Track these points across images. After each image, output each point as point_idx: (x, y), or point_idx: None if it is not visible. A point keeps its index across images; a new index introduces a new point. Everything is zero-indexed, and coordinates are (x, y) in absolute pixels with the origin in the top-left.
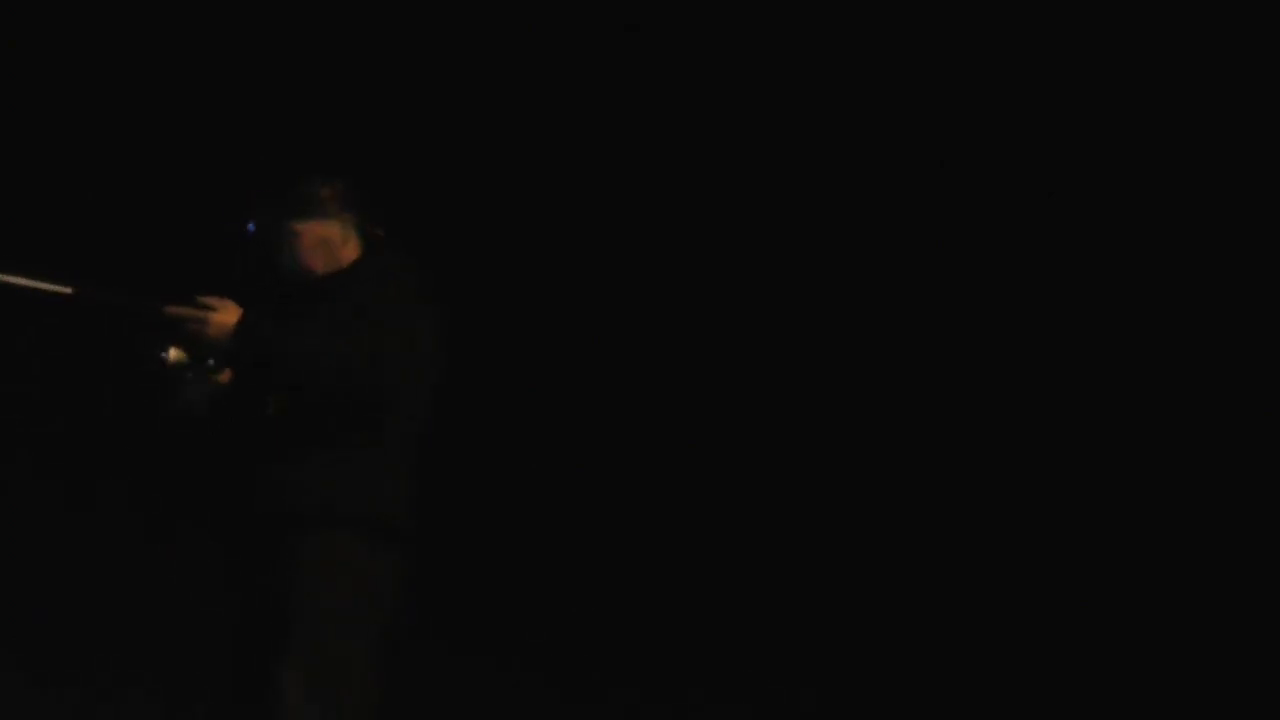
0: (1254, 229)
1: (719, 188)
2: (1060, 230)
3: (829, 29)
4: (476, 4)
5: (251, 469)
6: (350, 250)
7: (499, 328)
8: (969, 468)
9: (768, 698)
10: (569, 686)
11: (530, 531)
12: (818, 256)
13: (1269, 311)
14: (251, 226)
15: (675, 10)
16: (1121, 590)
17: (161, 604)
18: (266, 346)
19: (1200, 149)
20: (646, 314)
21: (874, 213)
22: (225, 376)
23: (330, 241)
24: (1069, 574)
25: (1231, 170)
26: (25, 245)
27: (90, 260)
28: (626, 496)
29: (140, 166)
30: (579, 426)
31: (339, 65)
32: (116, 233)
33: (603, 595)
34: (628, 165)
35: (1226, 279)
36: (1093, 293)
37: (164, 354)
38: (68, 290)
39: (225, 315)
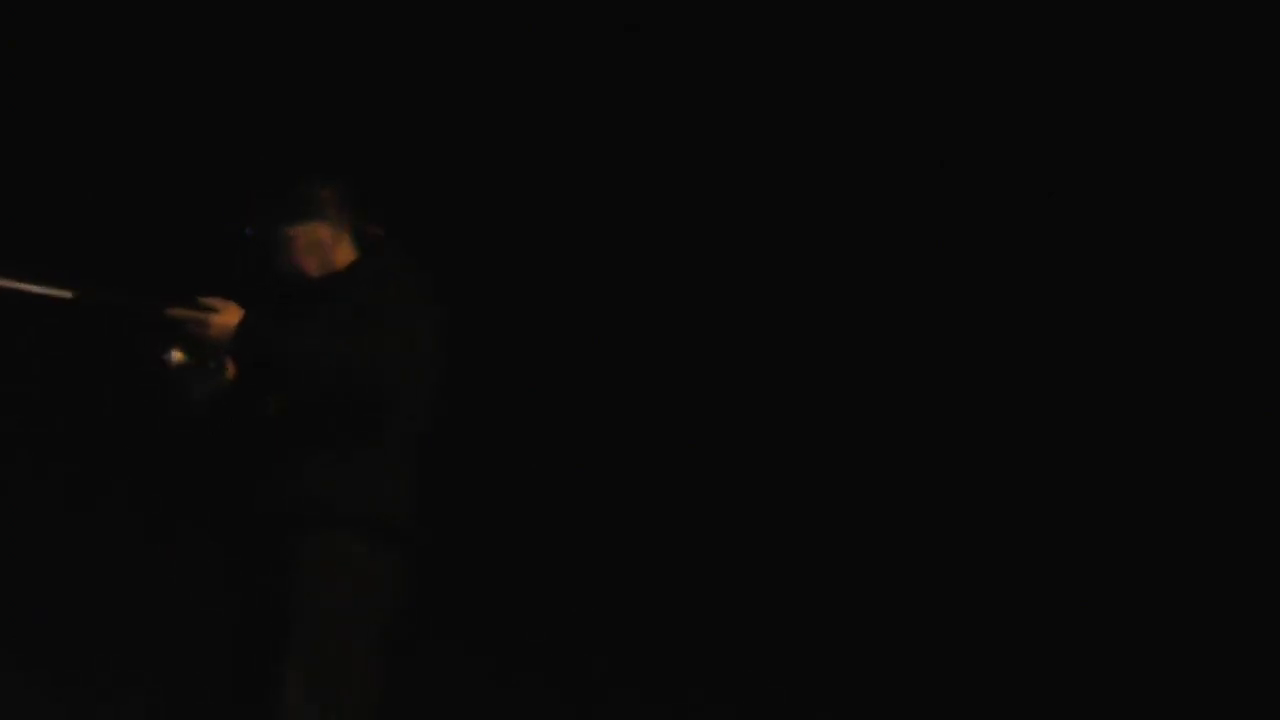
0: (1254, 229)
1: (719, 188)
2: (1060, 230)
3: (829, 29)
4: (476, 4)
5: (252, 469)
6: (343, 251)
7: (499, 328)
8: (969, 468)
9: (768, 698)
10: (569, 686)
11: (530, 531)
12: (818, 256)
13: (1269, 311)
14: (249, 231)
15: (675, 10)
16: (1121, 590)
17: (161, 604)
18: (267, 347)
19: (1200, 149)
20: (646, 314)
21: (874, 213)
22: (231, 372)
23: (322, 244)
24: (1069, 574)
25: (1232, 170)
26: (25, 246)
27: (91, 261)
28: (626, 496)
29: (140, 167)
30: (579, 427)
31: (339, 65)
32: (117, 233)
33: (603, 595)
34: (628, 165)
35: (1227, 279)
36: (1093, 293)
37: (167, 356)
38: (68, 294)
39: (226, 316)
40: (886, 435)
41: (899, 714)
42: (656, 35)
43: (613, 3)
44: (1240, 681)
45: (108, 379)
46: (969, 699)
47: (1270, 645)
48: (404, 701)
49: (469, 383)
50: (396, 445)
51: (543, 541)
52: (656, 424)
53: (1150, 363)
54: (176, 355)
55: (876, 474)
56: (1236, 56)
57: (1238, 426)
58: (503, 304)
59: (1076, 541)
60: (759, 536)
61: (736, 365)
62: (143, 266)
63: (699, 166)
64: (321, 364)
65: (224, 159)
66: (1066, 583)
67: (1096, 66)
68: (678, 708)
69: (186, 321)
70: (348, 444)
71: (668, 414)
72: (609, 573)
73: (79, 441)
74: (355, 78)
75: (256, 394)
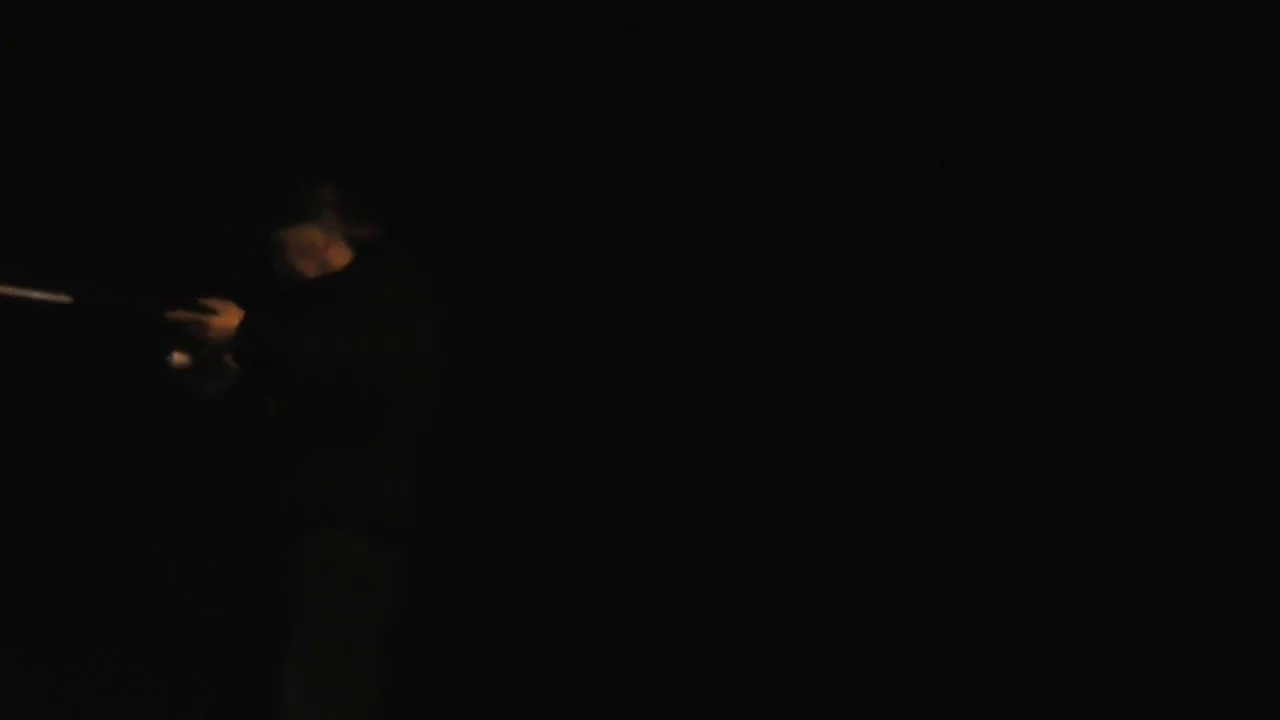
0: (1254, 229)
1: (719, 188)
2: (1060, 230)
3: (829, 29)
4: (476, 4)
5: (252, 469)
6: (336, 252)
7: (499, 328)
8: (968, 468)
9: (767, 698)
10: (569, 686)
11: (530, 532)
12: (818, 256)
13: (1269, 311)
14: (243, 236)
15: (675, 10)
16: (1121, 590)
17: (161, 604)
18: (267, 347)
19: (1200, 149)
20: (646, 314)
21: (874, 212)
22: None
23: (315, 246)
24: (1069, 574)
25: (1232, 170)
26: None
27: (91, 262)
28: (626, 497)
29: (140, 168)
30: (579, 427)
31: (339, 66)
32: (117, 234)
33: (602, 596)
34: (627, 165)
35: (1227, 279)
36: (1092, 293)
37: (168, 358)
38: (68, 298)
39: (227, 318)
40: (886, 435)
41: (899, 714)
42: (656, 35)
43: (613, 3)
44: (1240, 681)
45: (108, 379)
46: (969, 699)
47: (1270, 645)
48: (404, 701)
49: (469, 383)
50: (396, 445)
51: (542, 542)
52: (656, 424)
53: (1150, 363)
54: (178, 357)
55: (875, 474)
56: (1236, 56)
57: (1238, 427)
58: (503, 304)
59: (1076, 541)
60: (758, 537)
61: (736, 365)
62: (143, 268)
63: (699, 166)
64: (321, 364)
65: (223, 160)
66: (1066, 583)
67: (1096, 66)
68: (678, 708)
69: (187, 323)
70: (348, 444)
71: (667, 414)
72: (609, 573)
73: (79, 441)
74: (355, 78)
75: (257, 394)
